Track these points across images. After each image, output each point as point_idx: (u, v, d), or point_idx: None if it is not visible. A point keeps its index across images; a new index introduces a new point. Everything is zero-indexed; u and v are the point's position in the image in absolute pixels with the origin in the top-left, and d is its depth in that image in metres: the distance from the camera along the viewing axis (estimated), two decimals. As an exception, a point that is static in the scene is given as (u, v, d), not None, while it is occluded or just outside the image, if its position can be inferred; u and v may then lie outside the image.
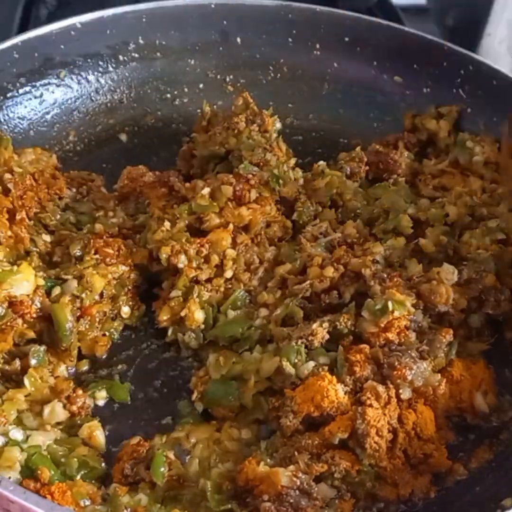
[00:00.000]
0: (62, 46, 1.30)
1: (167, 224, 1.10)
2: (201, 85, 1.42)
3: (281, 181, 1.17)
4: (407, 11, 1.74)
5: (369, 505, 0.90)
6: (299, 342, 0.98)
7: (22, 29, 1.58)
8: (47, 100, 1.31)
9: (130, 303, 1.09)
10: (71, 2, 1.71)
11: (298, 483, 0.86)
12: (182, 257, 1.06)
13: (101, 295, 1.06)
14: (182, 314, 1.04)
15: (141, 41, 1.38)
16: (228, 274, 1.08)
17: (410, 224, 1.16)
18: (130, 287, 1.09)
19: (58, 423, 0.95)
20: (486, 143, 1.28)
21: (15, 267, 1.02)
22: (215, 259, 1.08)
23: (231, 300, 1.07)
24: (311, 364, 0.97)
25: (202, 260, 1.08)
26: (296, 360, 0.97)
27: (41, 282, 1.03)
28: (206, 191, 1.12)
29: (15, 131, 1.27)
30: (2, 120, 1.26)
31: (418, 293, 1.03)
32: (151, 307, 1.10)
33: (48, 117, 1.32)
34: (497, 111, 1.30)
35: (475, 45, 1.52)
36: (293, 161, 1.21)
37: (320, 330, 0.99)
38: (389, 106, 1.41)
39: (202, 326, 1.06)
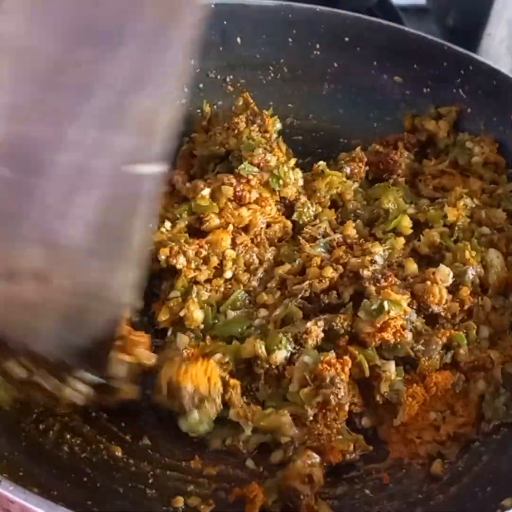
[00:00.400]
0: (62, 46, 1.30)
1: (167, 224, 1.11)
2: (201, 85, 1.42)
3: (281, 182, 1.17)
4: (407, 11, 1.74)
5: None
6: (289, 335, 0.99)
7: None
8: (47, 100, 1.31)
9: None
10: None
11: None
12: (181, 258, 1.07)
13: None
14: (181, 314, 1.05)
15: (141, 41, 1.38)
16: (228, 274, 1.09)
17: (410, 224, 1.16)
18: None
19: None
20: (486, 144, 1.28)
21: None
22: (214, 260, 1.08)
23: (230, 301, 1.07)
24: (283, 353, 0.98)
25: (201, 261, 1.08)
26: (274, 347, 0.98)
27: None
28: (206, 191, 1.12)
29: (15, 131, 1.27)
30: (2, 120, 1.25)
31: (412, 293, 1.03)
32: (151, 307, 1.10)
33: (48, 117, 1.31)
34: (497, 111, 1.30)
35: (475, 45, 1.52)
36: (293, 161, 1.21)
37: (315, 329, 1.00)
38: (389, 106, 1.40)
39: (202, 326, 1.06)
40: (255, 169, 1.15)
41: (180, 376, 0.93)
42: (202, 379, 0.93)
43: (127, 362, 0.93)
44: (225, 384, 0.95)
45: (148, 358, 0.95)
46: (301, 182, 1.20)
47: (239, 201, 1.12)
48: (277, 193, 1.17)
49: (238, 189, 1.12)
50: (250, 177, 1.14)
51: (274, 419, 0.94)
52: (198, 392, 0.93)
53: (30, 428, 0.94)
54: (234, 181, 1.13)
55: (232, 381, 0.95)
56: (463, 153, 1.29)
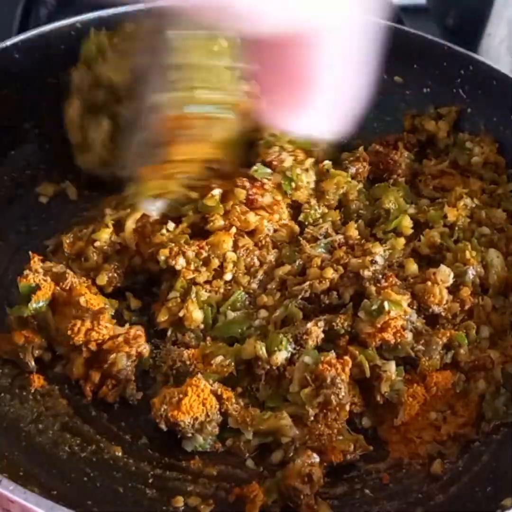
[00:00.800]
0: (62, 46, 1.30)
1: (171, 225, 1.10)
2: (201, 85, 1.42)
3: (293, 184, 1.15)
4: (407, 11, 1.73)
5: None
6: (289, 336, 0.99)
7: (22, 29, 1.58)
8: (47, 100, 1.31)
9: (110, 276, 1.09)
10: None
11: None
12: (181, 259, 1.06)
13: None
14: (180, 314, 1.04)
15: (141, 41, 1.38)
16: (228, 276, 1.08)
17: (411, 224, 1.16)
18: (122, 265, 1.10)
19: None
20: (485, 144, 1.28)
21: None
22: (214, 261, 1.07)
23: (230, 301, 1.07)
24: (284, 354, 0.98)
25: (201, 262, 1.07)
26: (275, 348, 0.98)
27: None
28: (216, 191, 1.11)
29: (16, 131, 1.27)
30: (3, 120, 1.26)
31: (412, 293, 1.03)
32: (151, 308, 1.10)
33: (49, 117, 1.31)
34: (497, 111, 1.30)
35: (475, 45, 1.52)
36: (309, 161, 1.19)
37: (315, 329, 1.00)
38: (389, 106, 1.40)
39: (202, 326, 1.06)
40: (268, 170, 1.14)
41: (175, 411, 0.92)
42: (198, 408, 0.92)
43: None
44: (219, 398, 0.95)
45: (147, 350, 1.01)
46: (312, 185, 1.18)
47: (250, 204, 1.11)
48: (289, 196, 1.16)
49: (251, 192, 1.11)
50: (265, 181, 1.13)
51: (273, 422, 0.94)
52: (197, 420, 0.93)
53: (30, 428, 0.95)
54: (247, 184, 1.12)
55: (226, 394, 0.95)
56: (463, 153, 1.29)
